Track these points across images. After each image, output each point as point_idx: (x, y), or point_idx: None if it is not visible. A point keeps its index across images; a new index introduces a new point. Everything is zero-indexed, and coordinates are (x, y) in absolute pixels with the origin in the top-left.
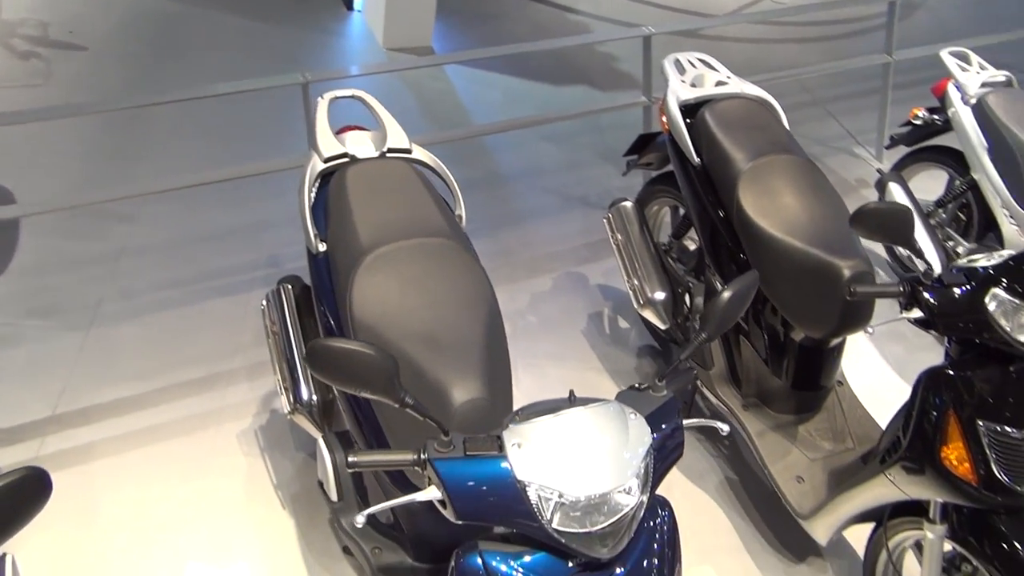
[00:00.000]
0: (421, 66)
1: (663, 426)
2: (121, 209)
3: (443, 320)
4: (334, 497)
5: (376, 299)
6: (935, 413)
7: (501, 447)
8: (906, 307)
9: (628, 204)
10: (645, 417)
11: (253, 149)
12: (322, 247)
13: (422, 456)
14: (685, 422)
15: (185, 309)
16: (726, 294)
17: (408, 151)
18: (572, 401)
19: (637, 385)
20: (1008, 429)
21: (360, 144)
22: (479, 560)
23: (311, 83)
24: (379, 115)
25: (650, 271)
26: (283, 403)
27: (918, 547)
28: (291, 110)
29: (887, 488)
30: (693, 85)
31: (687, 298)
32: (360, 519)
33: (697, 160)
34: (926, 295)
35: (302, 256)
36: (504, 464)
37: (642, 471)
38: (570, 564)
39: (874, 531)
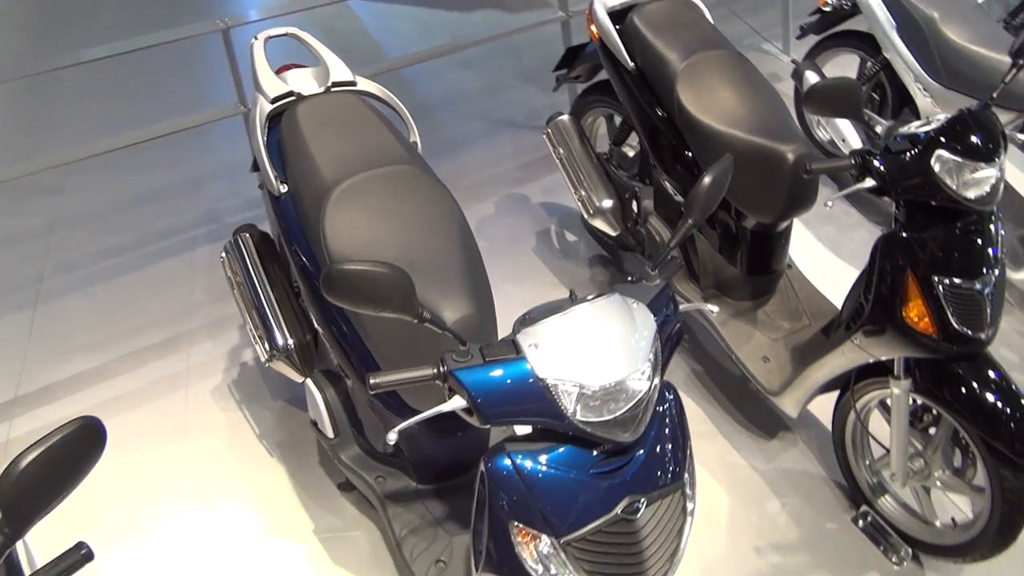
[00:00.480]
0: (330, 2)
1: (662, 312)
2: (43, 183)
3: (420, 244)
4: (330, 434)
5: (350, 232)
6: (893, 275)
7: (518, 350)
8: (858, 177)
9: (565, 118)
10: (646, 305)
11: (170, 106)
12: (284, 188)
13: (442, 369)
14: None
15: (131, 275)
16: (707, 179)
17: (353, 83)
18: (573, 300)
19: (630, 278)
20: (960, 281)
21: (303, 81)
22: (508, 461)
23: (231, 28)
24: (317, 50)
25: (596, 181)
26: (259, 352)
27: (882, 407)
28: (202, 62)
29: (854, 353)
30: None
31: (634, 203)
32: (392, 436)
33: (632, 64)
34: (876, 163)
35: (243, 209)
36: (524, 365)
37: (652, 356)
38: (594, 452)
39: (840, 398)
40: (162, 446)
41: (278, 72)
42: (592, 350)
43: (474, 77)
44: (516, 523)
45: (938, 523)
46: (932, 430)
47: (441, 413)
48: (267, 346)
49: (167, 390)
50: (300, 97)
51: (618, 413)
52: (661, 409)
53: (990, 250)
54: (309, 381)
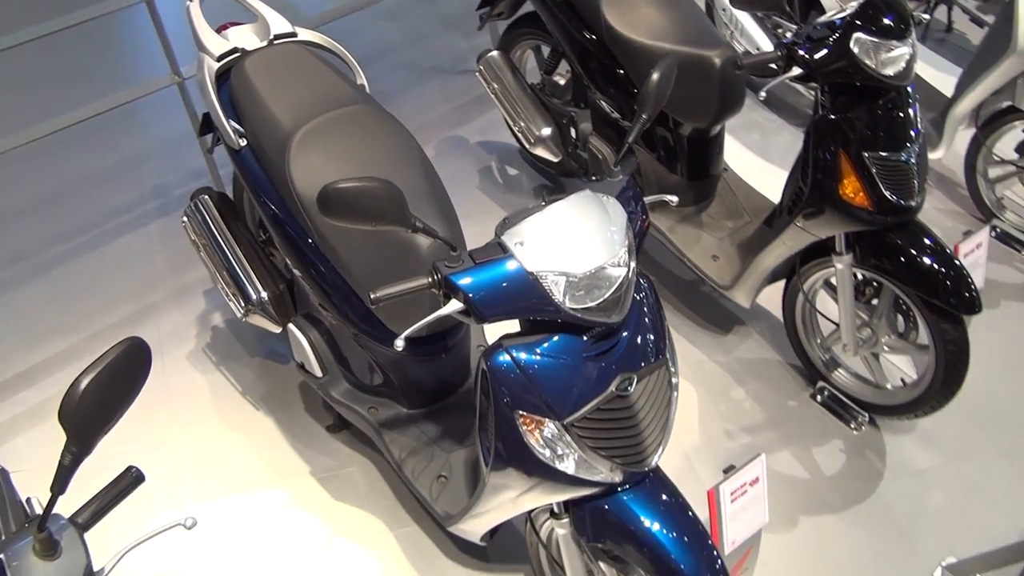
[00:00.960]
0: None
1: (629, 204)
2: None
3: (388, 174)
4: (319, 373)
5: (317, 173)
6: (826, 156)
7: (505, 250)
8: (785, 68)
9: (496, 54)
10: (616, 199)
11: (99, 87)
12: (243, 142)
13: (437, 276)
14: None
15: (87, 257)
16: (655, 75)
17: (294, 34)
18: (547, 201)
19: (595, 177)
20: (888, 154)
21: (244, 38)
22: (506, 356)
23: None
24: (254, 6)
25: (532, 111)
26: (235, 309)
27: (827, 286)
28: (127, 39)
29: (797, 236)
30: None
31: (572, 128)
32: (400, 343)
33: None
34: (800, 52)
35: (188, 181)
36: (512, 262)
37: (627, 243)
38: (584, 338)
39: (787, 284)
40: (147, 416)
41: (217, 31)
42: (572, 242)
43: (396, 28)
44: (521, 412)
45: (889, 386)
46: (875, 300)
47: (440, 318)
48: (242, 302)
49: None
50: (245, 52)
51: (602, 298)
52: (639, 296)
53: (910, 124)
54: (291, 326)
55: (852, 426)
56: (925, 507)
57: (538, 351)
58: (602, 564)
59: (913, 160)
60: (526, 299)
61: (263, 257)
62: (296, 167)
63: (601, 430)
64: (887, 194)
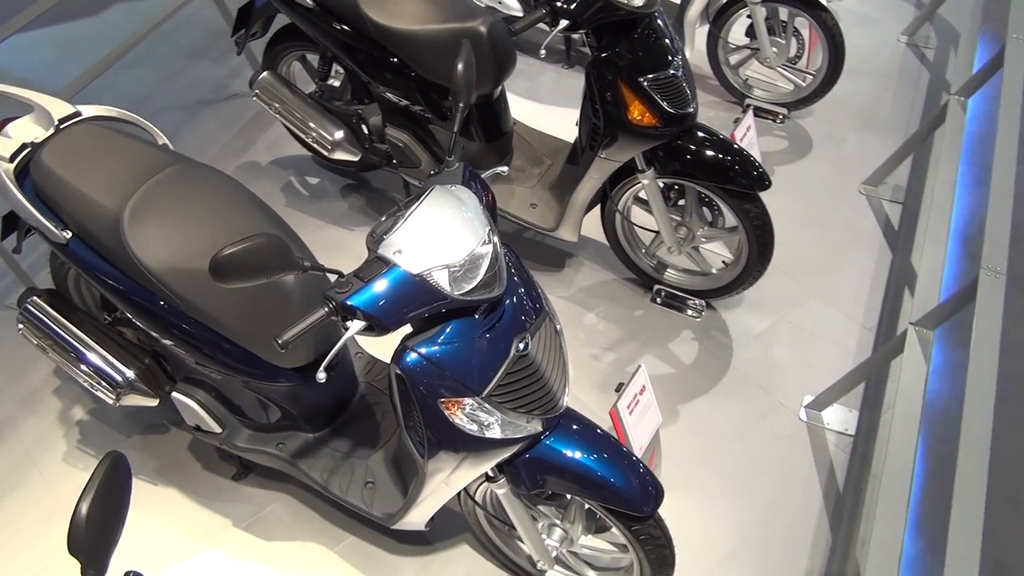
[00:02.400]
0: None
1: (473, 186)
2: None
3: (229, 225)
4: (218, 429)
5: (160, 245)
6: (610, 91)
7: (386, 262)
8: (553, 23)
9: (267, 74)
10: (461, 185)
11: None
12: (67, 234)
13: (332, 304)
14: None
15: None
16: (460, 65)
17: (78, 114)
18: (403, 205)
19: (433, 172)
20: (658, 73)
21: (27, 131)
22: (414, 355)
23: None
24: (22, 96)
25: (320, 119)
26: (104, 397)
27: (638, 201)
28: None
29: (603, 166)
30: None
31: (363, 125)
32: (322, 375)
33: (310, 2)
34: (560, 4)
35: None
36: (398, 271)
37: (487, 222)
38: (475, 316)
39: (603, 210)
40: (42, 531)
41: None
42: (442, 236)
43: (146, 73)
44: (441, 400)
45: (714, 270)
46: (681, 202)
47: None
48: (110, 386)
49: (19, 478)
50: (36, 145)
51: (482, 276)
52: (508, 262)
53: (667, 41)
54: (176, 394)
55: (693, 315)
56: (774, 362)
57: (440, 340)
58: (541, 507)
59: (680, 73)
60: (419, 299)
61: (116, 337)
62: (136, 244)
63: (515, 391)
64: (668, 108)
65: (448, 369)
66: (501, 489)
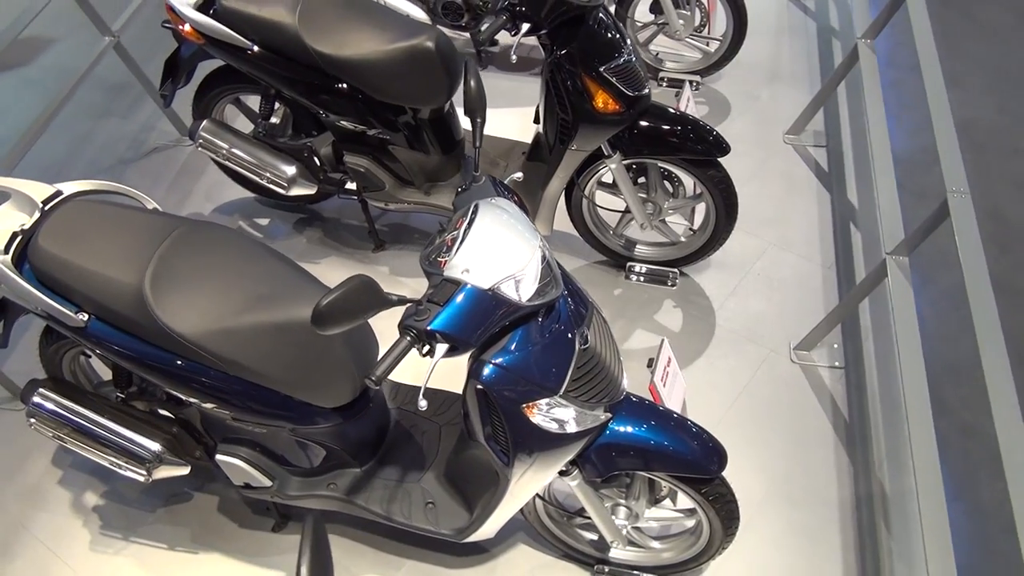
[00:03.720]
0: None
1: (503, 195)
2: None
3: (247, 277)
4: (268, 483)
5: (190, 309)
6: (574, 85)
7: (456, 282)
8: (514, 28)
9: (207, 122)
10: (498, 196)
11: None
12: (84, 316)
13: (414, 333)
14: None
15: None
16: (472, 83)
17: (60, 193)
18: (452, 227)
19: (461, 189)
20: (615, 61)
21: (11, 219)
22: (492, 366)
23: None
24: (2, 186)
25: (270, 158)
26: (135, 476)
27: (601, 186)
28: None
29: (573, 158)
30: None
31: (315, 157)
32: (423, 403)
33: (250, 44)
34: (520, 9)
35: None
36: (470, 289)
37: (532, 228)
38: (539, 319)
39: (568, 199)
40: None
41: None
42: (502, 249)
43: (56, 139)
44: (523, 405)
45: (683, 238)
46: (641, 179)
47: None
48: (139, 466)
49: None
50: (27, 232)
51: (541, 280)
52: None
53: (615, 30)
54: (219, 456)
55: (670, 284)
56: (753, 314)
57: (511, 349)
58: (603, 491)
59: (632, 57)
60: (493, 313)
61: (134, 413)
62: (166, 314)
63: (583, 383)
64: (628, 92)
65: (525, 374)
66: (574, 481)
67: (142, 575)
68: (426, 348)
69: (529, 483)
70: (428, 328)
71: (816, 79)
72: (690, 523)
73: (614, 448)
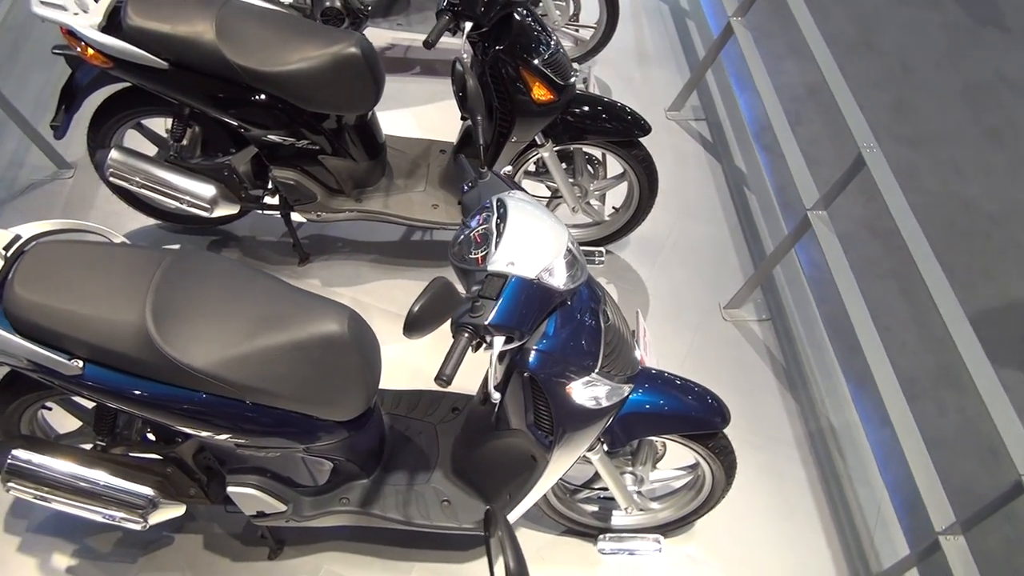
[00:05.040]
0: None
1: (516, 187)
2: None
3: (245, 301)
4: (283, 507)
5: (197, 340)
6: (512, 78)
7: (502, 276)
8: (456, 28)
9: (114, 151)
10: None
11: None
12: (79, 363)
13: (477, 331)
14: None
15: None
16: (470, 81)
17: (19, 237)
18: (478, 222)
19: (468, 185)
20: (544, 52)
21: None
22: (536, 352)
23: None
24: None
25: (187, 182)
26: (131, 525)
27: (526, 175)
28: None
29: (512, 150)
30: (64, 9)
31: (234, 174)
32: (496, 395)
33: (164, 62)
34: (459, 9)
35: None
36: (517, 280)
37: (557, 217)
38: (569, 302)
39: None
40: None
41: None
42: (537, 239)
43: None
44: (569, 387)
45: (607, 216)
46: (564, 165)
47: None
48: (134, 513)
49: None
50: (1, 284)
51: (573, 266)
52: None
53: (540, 25)
54: (231, 488)
55: (598, 262)
56: (680, 282)
57: (551, 334)
58: (615, 461)
59: (559, 47)
60: (540, 301)
61: (120, 459)
62: (175, 349)
63: (613, 356)
64: (560, 82)
65: (566, 356)
66: (596, 455)
67: None
68: (476, 343)
69: (565, 461)
70: (486, 324)
71: (680, 57)
72: (688, 478)
73: (634, 417)
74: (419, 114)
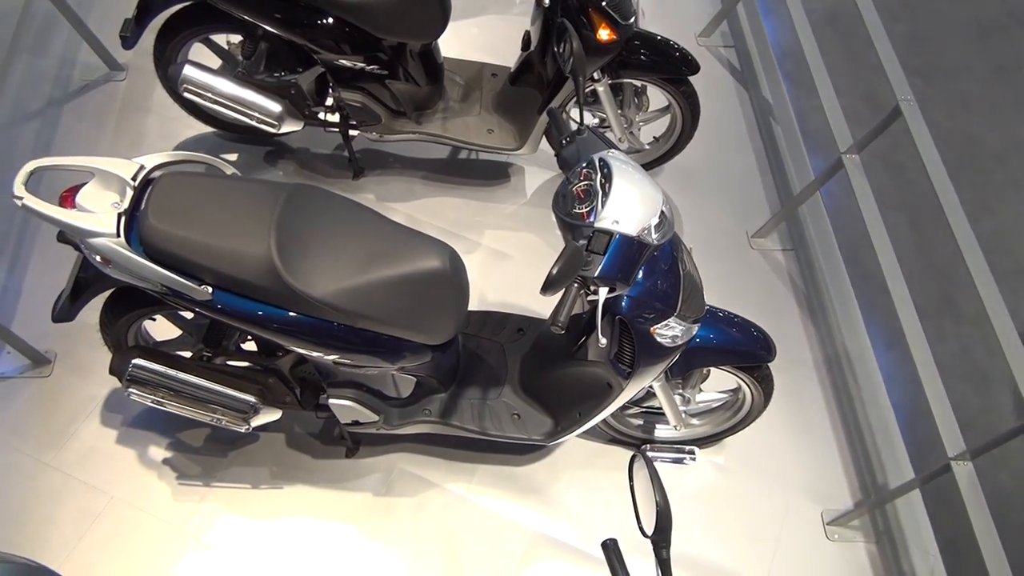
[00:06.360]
0: None
1: (606, 144)
2: None
3: (357, 236)
4: (375, 417)
5: (318, 272)
6: (582, 20)
7: (608, 232)
8: None
9: (188, 66)
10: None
11: None
12: (208, 288)
13: (585, 282)
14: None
15: None
16: (574, 43)
17: (144, 168)
18: (580, 177)
19: (565, 140)
20: None
21: (101, 197)
22: (627, 299)
23: None
24: (84, 164)
25: (257, 98)
26: (236, 427)
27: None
28: None
29: (570, 85)
30: None
31: (300, 92)
32: (603, 341)
33: None
34: None
35: None
36: (622, 237)
37: (651, 177)
38: (656, 254)
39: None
40: (199, 564)
41: (62, 205)
42: (638, 198)
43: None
44: (654, 327)
45: (647, 146)
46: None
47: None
48: (239, 416)
49: (137, 529)
50: (133, 212)
51: (664, 224)
52: None
53: None
54: (332, 400)
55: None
56: (715, 202)
57: (640, 282)
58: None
59: None
60: (639, 254)
61: (227, 368)
62: (299, 280)
63: (687, 303)
64: (622, 22)
65: (654, 299)
66: (658, 383)
67: (235, 514)
68: (584, 291)
69: (635, 389)
70: (595, 276)
71: None
72: (726, 399)
73: (696, 351)
74: (459, 30)
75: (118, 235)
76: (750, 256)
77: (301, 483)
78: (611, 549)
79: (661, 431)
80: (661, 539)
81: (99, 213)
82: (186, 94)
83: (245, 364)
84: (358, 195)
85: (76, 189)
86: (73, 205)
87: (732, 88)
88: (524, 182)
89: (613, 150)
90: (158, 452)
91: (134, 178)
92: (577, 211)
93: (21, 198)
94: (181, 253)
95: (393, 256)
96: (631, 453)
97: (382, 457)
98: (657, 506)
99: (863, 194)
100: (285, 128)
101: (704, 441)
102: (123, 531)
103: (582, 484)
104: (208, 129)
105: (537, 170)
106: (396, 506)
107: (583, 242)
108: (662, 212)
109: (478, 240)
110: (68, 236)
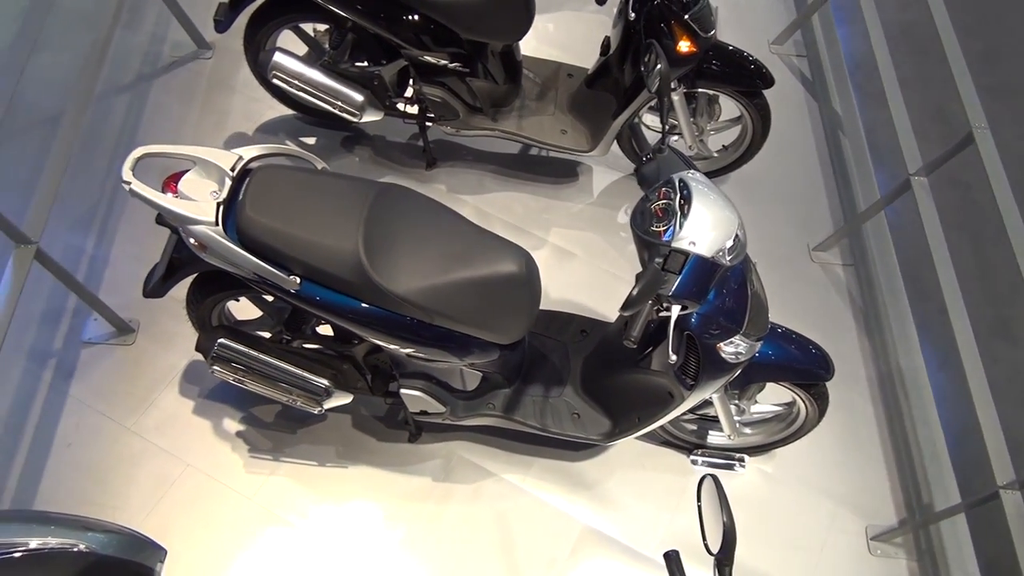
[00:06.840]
0: None
1: (687, 163)
2: None
3: (439, 237)
4: (442, 408)
5: (401, 270)
6: (663, 30)
7: (684, 253)
8: None
9: (279, 54)
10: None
11: None
12: (297, 279)
13: (660, 299)
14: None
15: None
16: (662, 65)
17: (241, 158)
18: (660, 196)
19: (647, 156)
20: (692, 7)
21: (201, 186)
22: (697, 316)
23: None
24: (186, 154)
25: (342, 88)
26: (309, 409)
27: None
28: None
29: (646, 96)
30: None
31: (382, 83)
32: (673, 356)
33: None
34: None
35: None
36: (696, 258)
37: (729, 199)
38: (728, 274)
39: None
40: (276, 536)
41: (164, 191)
42: (714, 221)
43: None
44: (718, 344)
45: (716, 154)
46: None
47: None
48: (312, 398)
49: (212, 498)
50: (232, 202)
51: (737, 247)
52: None
53: None
54: (403, 390)
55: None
56: (778, 212)
57: (709, 299)
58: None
59: (708, 2)
60: (711, 275)
61: (301, 353)
62: (384, 277)
63: (753, 322)
64: (702, 35)
65: (722, 317)
66: (717, 394)
67: (303, 489)
68: (657, 308)
69: (695, 401)
70: (670, 294)
71: None
72: (779, 411)
73: (756, 366)
74: (535, 25)
75: (217, 224)
76: (810, 269)
77: (364, 464)
78: (673, 560)
79: (714, 438)
80: (725, 558)
81: (199, 201)
82: (275, 80)
83: (320, 348)
84: (430, 185)
85: (178, 176)
86: (175, 191)
87: (802, 98)
88: (592, 182)
89: (693, 171)
90: (231, 425)
91: (232, 168)
92: (655, 229)
93: (129, 183)
94: (275, 244)
95: (472, 258)
96: (683, 457)
97: (442, 444)
98: (724, 526)
99: (929, 217)
100: (366, 118)
101: (755, 451)
102: (198, 497)
103: (633, 484)
104: (290, 112)
105: (605, 170)
106: (454, 492)
107: (659, 260)
108: (736, 236)
109: (544, 237)
110: (166, 220)
